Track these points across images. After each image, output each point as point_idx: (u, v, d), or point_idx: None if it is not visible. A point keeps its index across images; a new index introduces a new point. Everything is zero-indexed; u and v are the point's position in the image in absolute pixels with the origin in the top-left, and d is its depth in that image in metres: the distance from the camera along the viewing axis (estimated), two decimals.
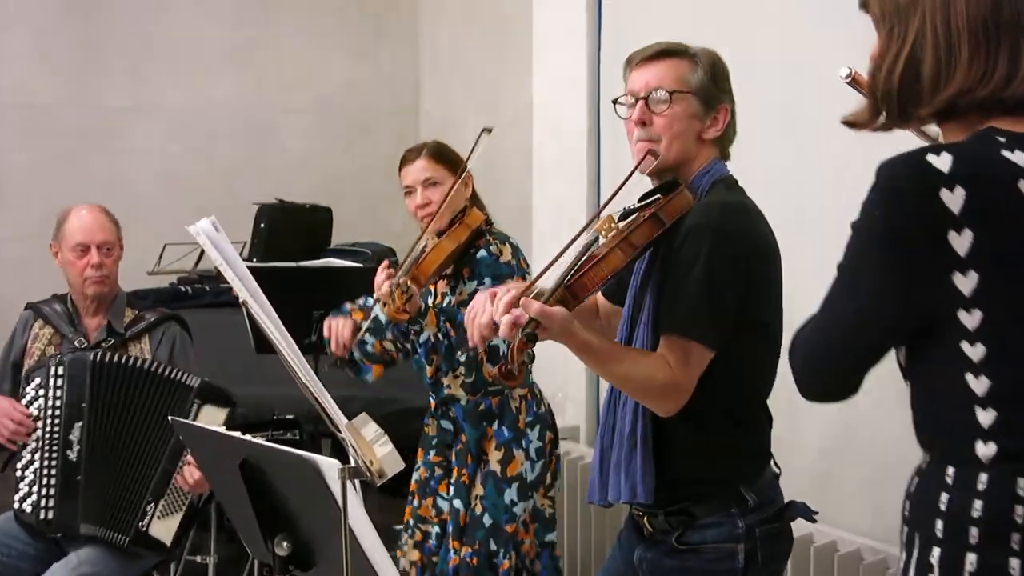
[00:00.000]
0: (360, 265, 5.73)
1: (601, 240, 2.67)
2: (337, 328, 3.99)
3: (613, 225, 2.68)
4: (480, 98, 7.07)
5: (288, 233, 6.86)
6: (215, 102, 7.56)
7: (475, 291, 3.80)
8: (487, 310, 2.55)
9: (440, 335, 3.95)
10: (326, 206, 7.19)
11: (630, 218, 2.70)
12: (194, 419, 4.20)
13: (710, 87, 2.82)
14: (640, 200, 2.76)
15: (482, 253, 3.90)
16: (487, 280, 3.85)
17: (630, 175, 2.71)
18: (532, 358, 2.51)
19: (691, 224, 2.64)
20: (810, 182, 4.20)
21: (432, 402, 4.11)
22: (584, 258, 2.62)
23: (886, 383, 2.16)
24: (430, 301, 3.99)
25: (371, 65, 8.00)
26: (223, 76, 7.59)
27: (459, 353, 3.93)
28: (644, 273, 2.82)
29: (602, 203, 2.79)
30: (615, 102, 2.86)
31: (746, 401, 2.80)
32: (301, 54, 7.78)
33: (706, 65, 2.83)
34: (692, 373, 2.65)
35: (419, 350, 4.03)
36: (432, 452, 4.12)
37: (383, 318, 3.94)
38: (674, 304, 2.64)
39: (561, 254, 2.66)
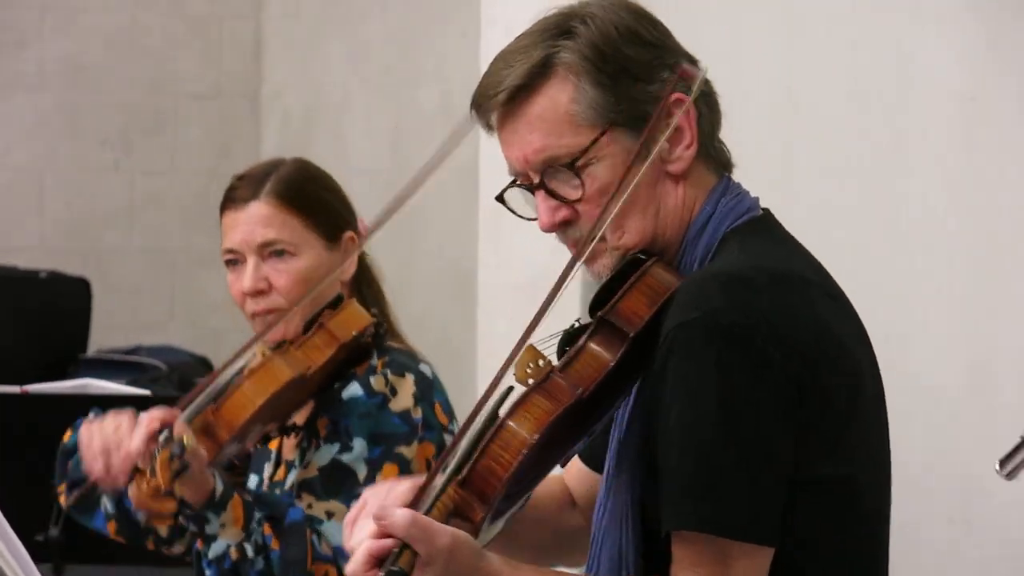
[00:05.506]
0: (146, 393, 4.30)
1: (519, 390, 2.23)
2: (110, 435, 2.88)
3: (538, 360, 2.22)
4: (379, 70, 5.64)
5: (2, 329, 5.55)
6: None
7: (332, 465, 2.94)
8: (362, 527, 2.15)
9: (250, 548, 2.83)
10: (77, 276, 5.72)
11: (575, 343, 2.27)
12: None
13: (624, 90, 2.19)
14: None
15: (352, 390, 2.94)
16: (357, 442, 2.92)
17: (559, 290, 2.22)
18: None
19: (671, 326, 2.14)
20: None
21: None
22: (491, 428, 2.20)
23: None
24: (264, 475, 3.02)
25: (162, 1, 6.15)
26: None
27: None
28: (630, 411, 2.30)
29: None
30: (500, 199, 2.29)
31: None
32: None
33: (591, 57, 2.17)
34: None
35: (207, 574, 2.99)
36: None
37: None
38: (670, 479, 2.13)
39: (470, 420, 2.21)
